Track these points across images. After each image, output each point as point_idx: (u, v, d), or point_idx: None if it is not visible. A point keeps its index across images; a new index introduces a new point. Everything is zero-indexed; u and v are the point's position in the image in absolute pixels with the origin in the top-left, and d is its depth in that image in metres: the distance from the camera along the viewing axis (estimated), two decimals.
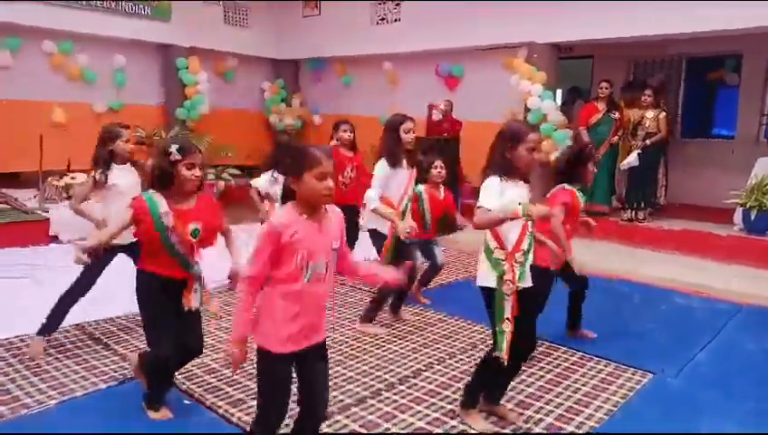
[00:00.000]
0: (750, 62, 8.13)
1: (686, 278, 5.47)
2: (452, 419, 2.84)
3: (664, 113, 6.97)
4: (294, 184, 2.05)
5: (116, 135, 3.58)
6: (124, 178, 3.61)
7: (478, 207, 2.54)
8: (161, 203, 2.57)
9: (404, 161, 3.84)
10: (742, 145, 8.13)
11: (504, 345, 2.60)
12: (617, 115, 7.18)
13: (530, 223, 2.63)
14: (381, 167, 3.79)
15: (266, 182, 4.78)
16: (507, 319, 2.60)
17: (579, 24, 7.18)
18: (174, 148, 2.54)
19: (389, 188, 3.80)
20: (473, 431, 2.73)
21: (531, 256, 2.69)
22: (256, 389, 2.19)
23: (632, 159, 6.84)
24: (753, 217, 6.18)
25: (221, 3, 9.93)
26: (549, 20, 7.44)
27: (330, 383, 3.12)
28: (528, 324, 2.71)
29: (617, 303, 4.47)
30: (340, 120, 5.35)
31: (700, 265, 6.01)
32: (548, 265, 3.38)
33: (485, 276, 2.65)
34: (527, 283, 2.66)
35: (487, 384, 2.84)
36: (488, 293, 2.65)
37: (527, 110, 7.77)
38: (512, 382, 3.00)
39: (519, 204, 2.46)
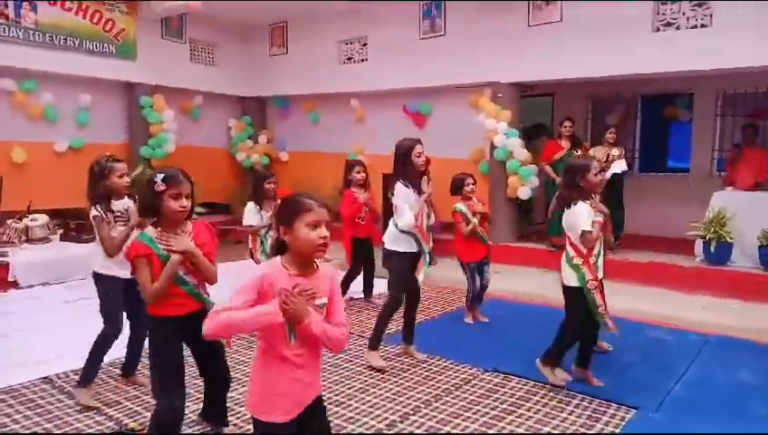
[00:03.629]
0: (701, 100, 8.59)
1: (654, 310, 5.62)
2: None
3: (623, 150, 7.29)
4: (285, 235, 1.93)
5: (109, 171, 3.38)
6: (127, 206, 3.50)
7: (584, 232, 3.45)
8: (156, 236, 2.56)
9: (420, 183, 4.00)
10: (697, 178, 8.51)
11: (608, 322, 3.65)
12: (579, 153, 7.42)
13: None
14: (400, 189, 3.92)
15: (253, 214, 4.82)
16: (601, 305, 3.57)
17: (541, 64, 7.48)
18: (159, 178, 2.51)
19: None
20: None
21: (600, 258, 3.60)
22: None
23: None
24: (712, 249, 6.44)
25: (187, 41, 9.93)
26: (513, 61, 7.72)
27: None
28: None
29: None
30: (354, 160, 5.58)
31: (666, 297, 6.19)
32: None
33: (568, 278, 3.60)
34: (601, 274, 3.61)
35: (565, 349, 3.74)
36: (570, 290, 3.60)
37: (493, 147, 7.98)
38: (501, 423, 3.06)
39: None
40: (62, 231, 7.47)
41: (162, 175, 2.52)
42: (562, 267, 3.66)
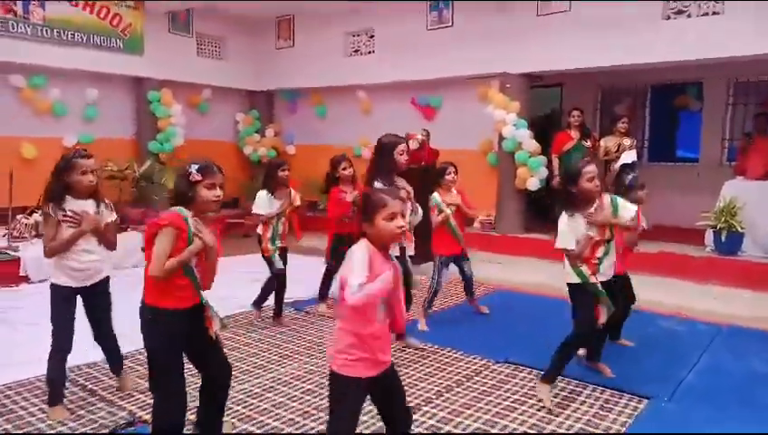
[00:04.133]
0: (711, 90, 8.51)
1: (665, 300, 5.59)
2: None
3: (635, 140, 7.21)
4: (368, 227, 2.24)
5: (71, 166, 3.10)
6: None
7: (565, 252, 3.32)
8: (191, 220, 2.52)
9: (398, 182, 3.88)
10: (706, 168, 8.45)
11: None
12: (589, 143, 7.37)
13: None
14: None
15: (266, 203, 4.68)
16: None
17: (550, 54, 7.43)
18: (194, 168, 2.50)
19: None
20: None
21: (608, 258, 3.40)
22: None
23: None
24: (723, 239, 6.39)
25: (194, 35, 9.93)
26: (521, 51, 7.67)
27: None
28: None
29: None
30: (339, 156, 5.28)
31: (677, 287, 6.16)
32: None
33: (568, 275, 3.44)
34: (605, 277, 3.42)
35: (569, 359, 3.46)
36: (573, 287, 3.45)
37: (502, 138, 7.94)
38: (513, 414, 3.00)
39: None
40: None
41: (197, 166, 2.51)
42: (564, 266, 3.50)
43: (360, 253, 2.20)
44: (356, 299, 2.11)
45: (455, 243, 4.89)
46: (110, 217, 3.30)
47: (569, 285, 3.49)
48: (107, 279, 3.36)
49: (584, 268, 3.35)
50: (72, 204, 3.13)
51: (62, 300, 3.19)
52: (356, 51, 9.68)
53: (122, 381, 3.56)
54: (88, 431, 3.02)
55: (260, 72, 10.80)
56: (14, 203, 6.82)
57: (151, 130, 9.24)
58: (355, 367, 2.25)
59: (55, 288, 3.21)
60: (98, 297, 3.32)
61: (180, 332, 2.55)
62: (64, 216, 3.10)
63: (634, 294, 4.28)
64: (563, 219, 3.34)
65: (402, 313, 2.38)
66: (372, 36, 9.39)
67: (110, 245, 3.30)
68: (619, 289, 4.09)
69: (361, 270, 2.14)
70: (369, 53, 9.46)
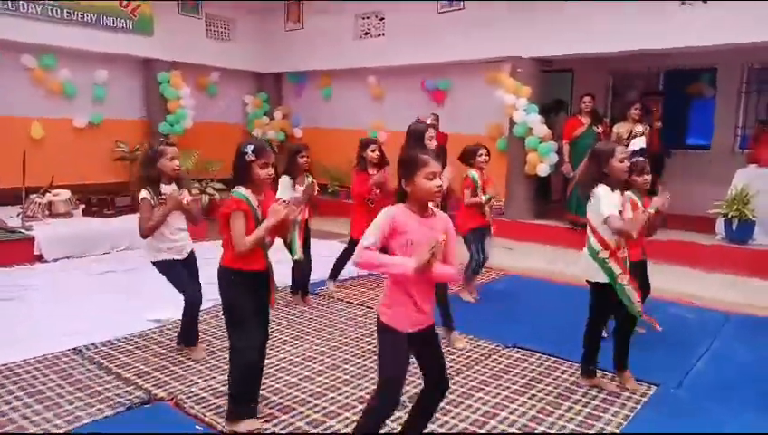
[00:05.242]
0: (725, 76, 8.41)
1: (675, 288, 5.59)
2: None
3: (649, 127, 7.13)
4: (407, 186, 2.32)
5: (160, 153, 3.56)
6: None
7: (608, 217, 3.09)
8: (251, 196, 2.83)
9: None
10: (718, 156, 8.37)
11: (650, 319, 3.43)
12: (600, 129, 7.33)
13: None
14: None
15: (288, 188, 4.71)
16: (636, 302, 3.25)
17: (562, 39, 7.35)
18: (249, 148, 2.78)
19: None
20: None
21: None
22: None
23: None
24: (734, 227, 6.37)
25: (203, 17, 9.88)
26: (533, 35, 7.59)
27: (340, 405, 3.13)
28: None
29: None
30: (368, 139, 5.32)
31: (687, 275, 6.17)
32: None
33: (594, 273, 3.25)
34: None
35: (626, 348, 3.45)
36: (597, 287, 3.27)
37: (512, 123, 7.90)
38: (522, 398, 3.07)
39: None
40: (83, 206, 7.58)
41: (252, 147, 2.80)
42: (585, 261, 3.31)
43: (382, 215, 2.30)
44: (358, 259, 2.26)
45: (481, 217, 4.99)
46: (188, 196, 3.72)
47: (593, 284, 3.29)
48: (193, 250, 3.83)
49: (614, 265, 3.17)
50: (164, 188, 3.57)
51: (172, 268, 3.65)
52: (366, 33, 9.62)
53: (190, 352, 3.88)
54: (104, 407, 3.08)
55: (269, 54, 10.75)
56: (26, 183, 6.87)
57: (161, 112, 9.24)
58: (396, 321, 2.37)
59: (163, 263, 3.65)
60: (192, 266, 3.79)
61: (251, 289, 2.88)
62: (159, 199, 3.52)
63: (649, 284, 4.26)
64: (603, 188, 3.19)
65: (439, 274, 2.32)
66: (382, 19, 9.31)
67: (195, 219, 3.77)
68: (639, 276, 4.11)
69: (374, 232, 2.26)
70: (380, 35, 9.39)
